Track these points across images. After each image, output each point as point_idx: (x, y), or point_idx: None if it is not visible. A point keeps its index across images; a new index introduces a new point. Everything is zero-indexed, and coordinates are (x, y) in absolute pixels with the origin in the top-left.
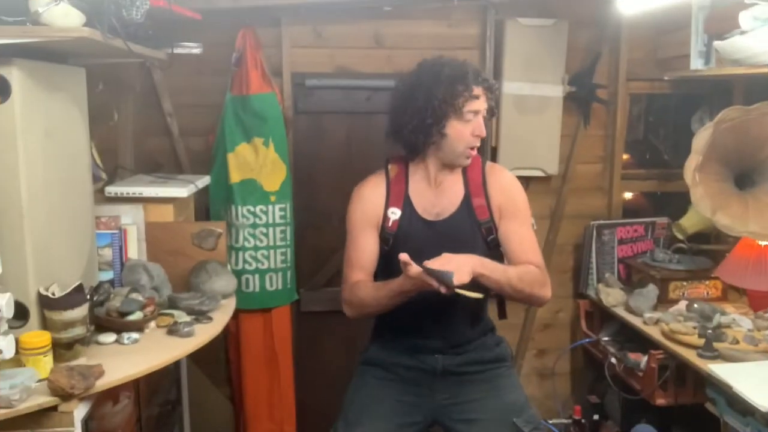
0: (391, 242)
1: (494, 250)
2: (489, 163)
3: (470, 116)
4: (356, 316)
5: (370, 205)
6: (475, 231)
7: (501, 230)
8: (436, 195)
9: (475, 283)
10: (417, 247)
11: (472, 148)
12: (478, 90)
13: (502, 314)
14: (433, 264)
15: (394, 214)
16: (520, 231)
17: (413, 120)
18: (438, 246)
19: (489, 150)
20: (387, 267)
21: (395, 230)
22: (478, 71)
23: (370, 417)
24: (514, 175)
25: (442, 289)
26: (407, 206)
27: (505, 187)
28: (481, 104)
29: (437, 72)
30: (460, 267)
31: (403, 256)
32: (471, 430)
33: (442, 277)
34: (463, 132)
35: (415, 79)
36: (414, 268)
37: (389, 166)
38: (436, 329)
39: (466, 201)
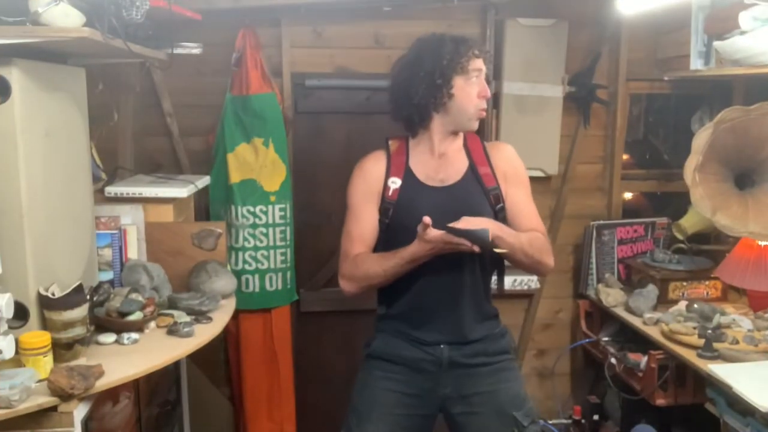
0: (391, 213)
1: (500, 221)
2: (488, 142)
3: (475, 75)
4: (356, 290)
5: (370, 177)
6: (482, 198)
7: (507, 198)
8: (440, 164)
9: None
10: (420, 216)
11: (480, 110)
12: (477, 50)
13: (501, 285)
14: (458, 225)
15: (394, 183)
16: (525, 199)
17: (422, 84)
18: (443, 213)
19: None
20: (387, 241)
21: (395, 199)
22: (477, 42)
23: (380, 412)
24: (513, 149)
25: (475, 248)
26: (408, 175)
27: (508, 157)
28: (482, 64)
29: (440, 38)
30: (482, 227)
31: (427, 219)
32: (472, 422)
33: (476, 236)
34: (470, 93)
35: (420, 48)
36: (434, 232)
37: (390, 142)
38: (441, 320)
39: (472, 169)
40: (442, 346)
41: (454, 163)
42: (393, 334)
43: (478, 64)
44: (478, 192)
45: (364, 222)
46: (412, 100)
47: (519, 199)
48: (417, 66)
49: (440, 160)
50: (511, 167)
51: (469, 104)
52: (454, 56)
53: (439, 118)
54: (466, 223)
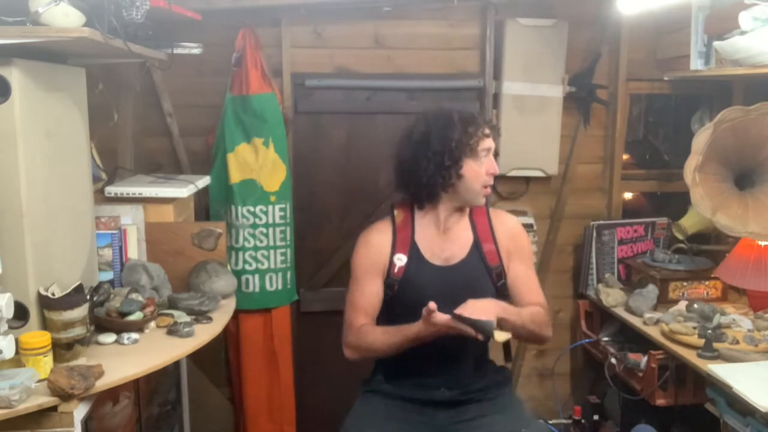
0: (396, 288)
1: (502, 296)
2: (492, 209)
3: (483, 154)
4: (358, 358)
5: (376, 251)
6: (485, 276)
7: (510, 272)
8: (444, 241)
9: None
10: (425, 294)
11: (486, 187)
12: (487, 130)
13: (508, 358)
14: (464, 311)
15: (400, 260)
16: (527, 273)
17: (431, 165)
18: (447, 292)
19: None
20: (390, 314)
21: (401, 276)
22: (482, 114)
23: None
24: (517, 218)
25: (479, 337)
26: (414, 252)
27: (511, 232)
28: (491, 143)
29: (448, 117)
30: (488, 313)
31: (432, 305)
32: None
33: (480, 326)
34: (479, 171)
35: (427, 127)
36: (440, 317)
37: (395, 212)
38: (442, 371)
39: (476, 246)
40: (442, 389)
41: (458, 240)
42: (393, 374)
43: (488, 143)
44: (481, 270)
45: (368, 294)
46: (420, 179)
47: (521, 273)
48: (425, 146)
49: (445, 235)
50: (514, 243)
51: (477, 183)
52: (463, 138)
53: (447, 196)
54: (472, 308)
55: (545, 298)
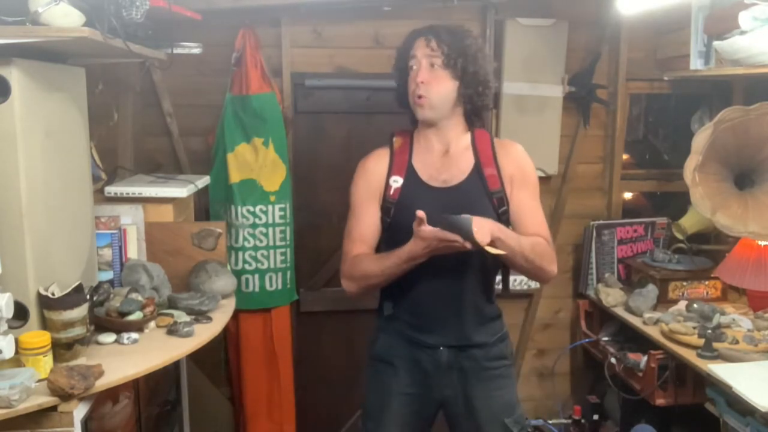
0: (392, 212)
1: (504, 224)
2: (497, 139)
3: (412, 64)
4: (357, 291)
5: (372, 176)
6: (485, 201)
7: (512, 200)
8: (443, 164)
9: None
10: None
11: (419, 97)
12: (418, 42)
13: (506, 287)
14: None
15: (396, 182)
16: (531, 203)
17: (401, 85)
18: (445, 214)
19: None
20: (389, 241)
21: (396, 198)
22: (430, 27)
23: (390, 414)
24: (523, 149)
25: (467, 245)
26: (410, 174)
27: (516, 158)
28: (417, 51)
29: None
30: (481, 226)
31: (420, 213)
32: (467, 425)
33: (461, 225)
34: (410, 83)
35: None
36: (428, 228)
37: (393, 139)
38: (442, 323)
39: (477, 170)
40: (441, 348)
41: (458, 163)
42: (394, 335)
43: (414, 51)
44: (481, 194)
45: (364, 222)
46: (402, 101)
47: (524, 202)
48: (395, 62)
49: (444, 159)
50: (518, 169)
51: (409, 92)
52: (406, 49)
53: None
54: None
55: (551, 235)
